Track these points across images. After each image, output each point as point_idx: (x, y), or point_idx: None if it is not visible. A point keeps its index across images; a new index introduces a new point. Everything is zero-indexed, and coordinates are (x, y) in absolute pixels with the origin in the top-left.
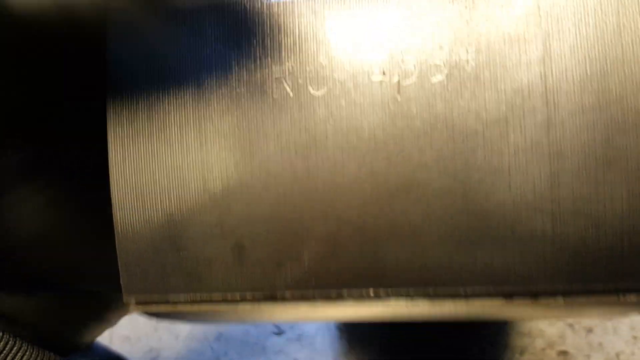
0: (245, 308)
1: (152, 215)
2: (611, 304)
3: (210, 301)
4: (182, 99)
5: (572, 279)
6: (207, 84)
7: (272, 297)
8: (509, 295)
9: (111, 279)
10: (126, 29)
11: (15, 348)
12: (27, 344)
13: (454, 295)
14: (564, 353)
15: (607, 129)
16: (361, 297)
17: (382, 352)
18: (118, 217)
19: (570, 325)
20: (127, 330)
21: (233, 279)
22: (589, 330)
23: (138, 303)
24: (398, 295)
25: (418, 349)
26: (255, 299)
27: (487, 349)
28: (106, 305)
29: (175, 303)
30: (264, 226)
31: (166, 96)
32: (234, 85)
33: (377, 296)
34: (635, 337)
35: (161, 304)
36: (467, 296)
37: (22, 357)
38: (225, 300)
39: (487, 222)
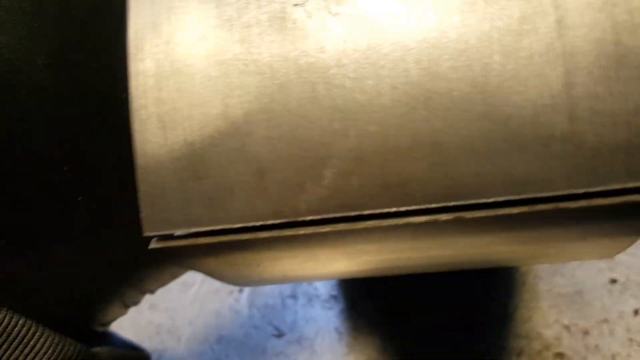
0: (266, 236)
1: (174, 144)
2: (626, 215)
3: (233, 231)
4: (203, 31)
5: (592, 180)
6: (227, 15)
7: (294, 222)
8: (532, 202)
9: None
10: None
11: (37, 334)
12: (49, 330)
13: (478, 207)
14: (560, 355)
15: (616, 27)
16: (382, 216)
17: (381, 355)
18: (139, 149)
19: (567, 328)
20: (129, 334)
21: (255, 204)
22: (585, 333)
23: (159, 238)
24: (420, 212)
25: (417, 354)
26: (277, 226)
27: (485, 352)
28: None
29: (197, 236)
30: (285, 147)
31: (188, 29)
32: (254, 13)
33: (399, 214)
34: (631, 340)
35: (182, 238)
36: (491, 207)
37: (45, 344)
38: (247, 230)
39: (507, 127)
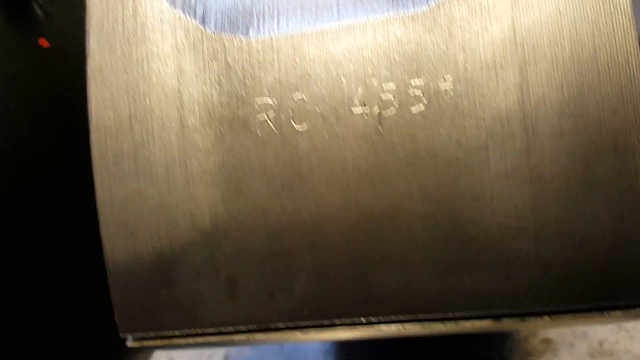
0: (240, 339)
1: (143, 253)
2: (597, 320)
3: (205, 334)
4: (167, 141)
5: (559, 300)
6: (192, 124)
7: (266, 328)
8: (497, 317)
9: None
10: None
11: None
12: None
13: (444, 319)
14: (547, 341)
15: (585, 152)
16: (353, 324)
17: (371, 352)
18: (109, 257)
19: None
20: None
21: (226, 312)
22: None
23: (135, 339)
24: (389, 321)
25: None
26: (249, 331)
27: (471, 337)
28: None
29: (170, 337)
30: (255, 260)
31: (151, 138)
32: (217, 124)
33: (369, 323)
34: (619, 326)
35: (157, 339)
36: (456, 319)
37: None
38: (220, 334)
39: (473, 247)
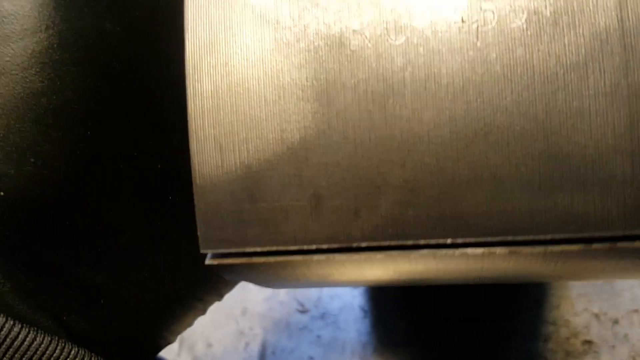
0: (320, 258)
1: (231, 166)
2: None
3: (287, 252)
4: (261, 53)
5: None
6: (286, 39)
7: (348, 248)
8: (588, 241)
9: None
10: None
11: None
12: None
13: (533, 242)
14: (588, 342)
15: None
16: (438, 246)
17: (405, 333)
18: (197, 170)
19: (596, 316)
20: None
21: (310, 229)
22: (615, 322)
23: (215, 256)
24: (476, 244)
25: (442, 333)
26: (331, 250)
27: (512, 337)
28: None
29: (251, 255)
30: (342, 175)
31: (244, 51)
32: (312, 39)
33: (455, 245)
34: None
35: (237, 256)
36: (546, 243)
37: None
38: (301, 252)
39: (568, 165)
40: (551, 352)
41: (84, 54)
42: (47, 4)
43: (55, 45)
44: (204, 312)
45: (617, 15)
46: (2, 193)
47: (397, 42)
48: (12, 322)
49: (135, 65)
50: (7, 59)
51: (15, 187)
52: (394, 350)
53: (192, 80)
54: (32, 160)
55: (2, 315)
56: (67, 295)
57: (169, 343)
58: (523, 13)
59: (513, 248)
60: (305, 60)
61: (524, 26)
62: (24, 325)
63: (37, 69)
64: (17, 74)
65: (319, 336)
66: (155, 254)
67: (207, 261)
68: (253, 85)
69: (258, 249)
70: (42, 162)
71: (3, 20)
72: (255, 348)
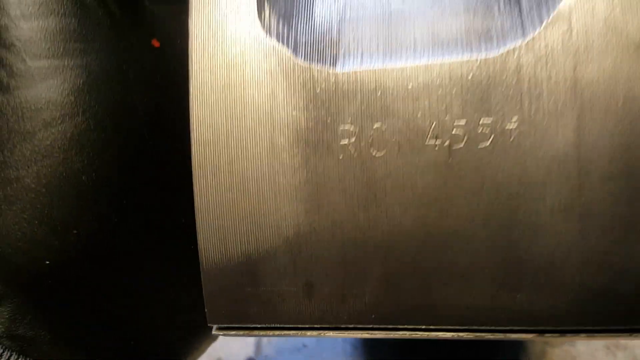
0: (312, 334)
1: (233, 255)
2: (627, 338)
3: (282, 328)
4: (258, 157)
5: (596, 321)
6: (281, 144)
7: (337, 327)
8: (541, 332)
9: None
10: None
11: None
12: None
13: (494, 331)
14: None
15: (630, 195)
16: (414, 329)
17: (391, 351)
18: (203, 256)
19: None
20: None
21: (303, 311)
22: None
23: (220, 328)
24: (446, 330)
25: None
26: (322, 328)
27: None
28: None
29: (251, 329)
30: (331, 267)
31: (244, 154)
32: (304, 145)
33: (428, 330)
34: None
35: (239, 329)
36: (505, 332)
37: None
38: (295, 329)
39: (525, 270)
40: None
41: (118, 132)
42: (81, 88)
43: (92, 127)
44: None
45: (574, 142)
46: (48, 262)
47: (379, 155)
48: None
49: (160, 136)
50: (49, 142)
51: (60, 257)
52: None
53: (198, 177)
54: (75, 232)
55: None
56: (101, 339)
57: None
58: (490, 135)
59: (477, 334)
60: (299, 164)
61: (490, 147)
62: None
63: (77, 150)
64: (58, 156)
65: (304, 344)
66: (166, 312)
67: (213, 331)
68: (252, 185)
69: (258, 325)
70: (84, 233)
71: (42, 108)
72: (250, 340)
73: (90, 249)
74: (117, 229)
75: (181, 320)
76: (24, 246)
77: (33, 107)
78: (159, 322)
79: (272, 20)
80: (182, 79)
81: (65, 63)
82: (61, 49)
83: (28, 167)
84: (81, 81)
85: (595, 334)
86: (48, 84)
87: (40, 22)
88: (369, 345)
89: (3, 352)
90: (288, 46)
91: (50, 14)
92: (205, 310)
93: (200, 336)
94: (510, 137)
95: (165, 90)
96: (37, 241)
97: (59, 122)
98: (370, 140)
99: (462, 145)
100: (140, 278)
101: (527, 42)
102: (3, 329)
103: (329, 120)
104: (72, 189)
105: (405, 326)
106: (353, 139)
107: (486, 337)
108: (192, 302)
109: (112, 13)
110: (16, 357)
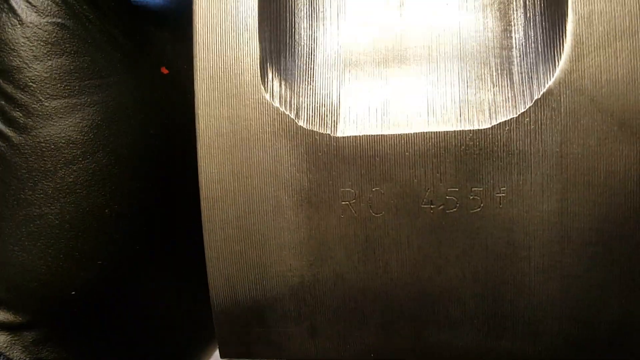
0: None
1: (241, 300)
2: None
3: None
4: (264, 214)
5: None
6: (285, 202)
7: None
8: None
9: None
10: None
11: None
12: None
13: None
14: None
15: (605, 259)
16: None
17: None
18: (214, 301)
19: None
20: None
21: (307, 350)
22: None
23: None
24: None
25: None
26: None
27: None
28: None
29: None
30: (333, 314)
31: (252, 210)
32: (307, 205)
33: None
34: None
35: None
36: None
37: None
38: None
39: (510, 321)
40: None
41: (137, 164)
42: (100, 124)
43: (112, 161)
44: None
45: (558, 211)
46: (74, 293)
47: (378, 215)
48: None
49: (175, 164)
50: (71, 179)
51: (86, 287)
52: None
53: (208, 230)
54: (99, 262)
55: None
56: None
57: None
58: (481, 203)
59: None
60: (303, 222)
61: (481, 213)
62: None
63: (99, 186)
64: (81, 192)
65: None
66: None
67: None
68: (259, 239)
69: None
70: (108, 263)
71: (62, 146)
72: None
73: (113, 277)
74: (138, 258)
75: (190, 338)
76: (50, 279)
77: (53, 146)
78: (171, 342)
79: (275, 83)
80: (191, 105)
81: (82, 101)
82: (77, 87)
83: (51, 204)
84: (100, 118)
85: None
86: (67, 122)
87: (53, 62)
88: None
89: None
90: (291, 111)
91: (63, 54)
92: (218, 348)
93: (206, 349)
94: (500, 205)
95: (176, 115)
96: (62, 274)
97: (80, 159)
98: (369, 202)
99: (454, 210)
100: (158, 308)
101: (518, 116)
102: (27, 353)
103: (330, 183)
104: (95, 222)
105: None
106: (353, 201)
107: None
108: (199, 321)
109: (122, 45)
110: None
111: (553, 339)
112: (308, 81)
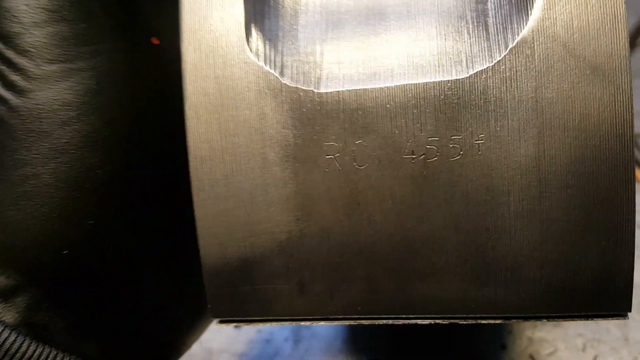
0: (305, 324)
1: (231, 259)
2: (582, 322)
3: (277, 321)
4: (251, 171)
5: (555, 309)
6: (272, 159)
7: (326, 318)
8: (507, 319)
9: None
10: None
11: None
12: None
13: (466, 318)
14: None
15: (584, 202)
16: (395, 319)
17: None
18: (205, 261)
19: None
20: None
21: (296, 306)
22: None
23: (222, 321)
24: (423, 318)
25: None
26: (314, 319)
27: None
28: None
29: (249, 321)
30: (320, 268)
31: (239, 168)
32: (293, 160)
33: (408, 318)
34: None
35: (239, 322)
36: (475, 319)
37: None
38: (289, 320)
39: (493, 268)
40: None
41: (129, 128)
42: (93, 89)
43: (105, 124)
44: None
45: (535, 155)
46: (65, 252)
47: (361, 167)
48: (62, 355)
49: (167, 130)
50: (65, 140)
51: (77, 246)
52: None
53: (197, 189)
54: (91, 222)
55: (54, 349)
56: (110, 328)
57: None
58: (460, 150)
59: (451, 320)
60: (289, 177)
61: (461, 160)
62: (73, 356)
63: (92, 147)
64: (75, 153)
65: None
66: (170, 302)
67: (215, 323)
68: (247, 196)
69: (255, 318)
70: (100, 223)
71: (58, 109)
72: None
73: (105, 239)
74: (130, 221)
75: (185, 308)
76: (42, 238)
77: (49, 108)
78: (164, 309)
79: (259, 43)
80: (180, 74)
81: (78, 66)
82: (73, 53)
83: (46, 164)
84: (93, 82)
85: (555, 319)
86: (63, 85)
87: (52, 29)
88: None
89: (19, 339)
90: (275, 69)
91: (61, 21)
92: (208, 306)
93: (202, 319)
94: (479, 151)
95: (167, 84)
96: (55, 233)
97: (75, 121)
98: (353, 155)
99: (435, 159)
100: (149, 269)
101: (494, 65)
102: (20, 318)
103: (315, 137)
104: (88, 183)
105: (388, 316)
106: (337, 154)
107: (459, 322)
108: (195, 290)
109: (115, 15)
110: (31, 343)
111: (535, 285)
112: (292, 41)
